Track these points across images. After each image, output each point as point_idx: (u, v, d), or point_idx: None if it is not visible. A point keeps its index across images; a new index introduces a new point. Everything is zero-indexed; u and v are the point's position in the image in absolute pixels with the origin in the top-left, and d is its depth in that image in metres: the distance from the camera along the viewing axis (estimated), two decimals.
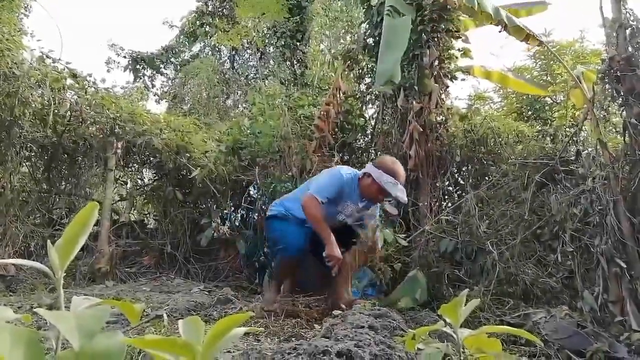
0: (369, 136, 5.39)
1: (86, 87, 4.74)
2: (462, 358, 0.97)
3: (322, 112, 4.83)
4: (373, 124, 5.39)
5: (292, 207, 3.29)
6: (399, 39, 4.25)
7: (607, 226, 3.01)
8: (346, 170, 3.35)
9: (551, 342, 2.55)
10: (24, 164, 4.85)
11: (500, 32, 3.70)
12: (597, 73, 3.39)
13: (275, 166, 4.54)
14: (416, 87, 4.60)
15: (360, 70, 5.63)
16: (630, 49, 3.21)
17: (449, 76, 4.87)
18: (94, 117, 4.62)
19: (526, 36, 3.72)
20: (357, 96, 5.53)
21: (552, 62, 5.96)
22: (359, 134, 5.30)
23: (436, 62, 4.77)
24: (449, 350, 1.01)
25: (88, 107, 4.60)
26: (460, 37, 4.93)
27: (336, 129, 5.02)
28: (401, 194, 3.15)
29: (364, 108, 5.57)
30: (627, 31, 3.26)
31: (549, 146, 4.51)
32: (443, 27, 4.63)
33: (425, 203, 4.43)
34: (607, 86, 3.31)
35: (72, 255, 0.84)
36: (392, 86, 4.49)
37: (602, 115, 3.38)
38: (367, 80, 5.70)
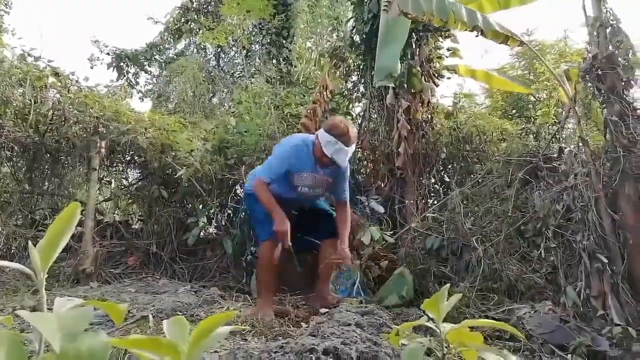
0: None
1: (69, 85, 4.67)
2: (444, 352, 0.98)
3: (308, 111, 4.83)
4: (360, 121, 5.41)
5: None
6: (397, 34, 4.25)
7: (588, 222, 3.07)
8: (298, 139, 3.13)
9: (535, 337, 2.59)
10: (5, 164, 4.76)
11: (476, 37, 3.70)
12: (579, 71, 3.45)
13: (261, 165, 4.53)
14: (406, 86, 4.63)
15: (347, 68, 5.64)
16: (610, 47, 3.27)
17: (437, 75, 4.92)
18: (77, 116, 4.55)
19: (505, 38, 3.73)
20: (344, 94, 5.54)
21: (535, 60, 6.04)
22: None
23: (425, 61, 4.81)
24: (432, 344, 1.02)
25: (71, 106, 4.53)
26: (450, 37, 4.98)
27: None
28: (338, 154, 2.89)
29: (350, 106, 5.59)
30: (608, 30, 3.32)
31: (532, 144, 4.59)
32: (433, 26, 4.67)
33: (412, 201, 4.47)
34: (588, 84, 3.37)
35: (55, 256, 0.83)
36: (392, 80, 4.47)
37: (583, 113, 3.43)
38: (354, 77, 5.72)
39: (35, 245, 0.82)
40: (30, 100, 4.26)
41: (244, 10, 6.35)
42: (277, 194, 3.08)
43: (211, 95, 10.71)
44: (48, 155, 4.85)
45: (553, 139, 4.20)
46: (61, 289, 3.71)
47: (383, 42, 4.31)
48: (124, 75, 11.85)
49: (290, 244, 2.96)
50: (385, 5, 4.25)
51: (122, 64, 11.82)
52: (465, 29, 3.73)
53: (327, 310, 2.99)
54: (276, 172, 3.02)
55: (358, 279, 3.82)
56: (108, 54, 11.73)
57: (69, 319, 0.68)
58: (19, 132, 4.51)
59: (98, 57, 11.67)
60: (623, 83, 3.18)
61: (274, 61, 9.54)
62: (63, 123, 4.54)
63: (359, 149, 5.20)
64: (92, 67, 11.63)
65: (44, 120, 4.55)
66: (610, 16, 3.34)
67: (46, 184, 4.98)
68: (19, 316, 0.71)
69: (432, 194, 4.96)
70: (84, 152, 4.59)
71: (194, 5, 11.53)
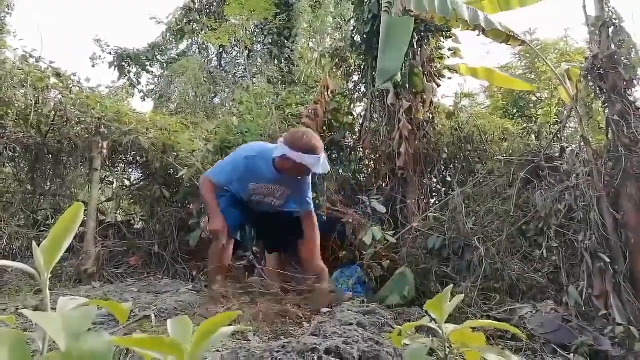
0: (357, 134, 5.40)
1: (70, 86, 4.67)
2: (447, 352, 0.98)
3: (310, 111, 4.83)
4: (361, 122, 5.40)
5: None
6: (401, 38, 4.24)
7: (590, 222, 3.07)
8: (253, 151, 3.11)
9: (537, 337, 2.59)
10: (8, 165, 4.77)
11: (478, 36, 3.71)
12: (581, 71, 3.44)
13: None
14: (407, 86, 4.63)
15: (349, 68, 5.64)
16: (612, 47, 3.27)
17: (438, 75, 4.92)
18: (78, 116, 4.56)
19: (506, 37, 3.73)
20: (345, 94, 5.55)
21: (536, 60, 6.03)
22: (347, 132, 5.31)
23: (427, 61, 4.81)
24: (435, 345, 1.02)
25: (72, 107, 4.54)
26: (451, 37, 4.98)
27: (324, 127, 5.02)
28: (324, 167, 2.94)
29: (352, 106, 5.59)
30: (610, 29, 3.32)
31: (533, 143, 4.59)
32: (435, 26, 4.67)
33: (413, 200, 4.47)
34: (590, 84, 3.36)
35: (58, 257, 0.83)
36: (394, 84, 4.48)
37: (585, 113, 3.43)
38: (355, 78, 5.72)
39: (38, 246, 0.83)
40: (32, 101, 4.27)
41: (248, 10, 6.36)
42: (235, 196, 3.19)
43: (213, 95, 10.72)
44: (50, 155, 4.85)
45: (555, 139, 4.19)
46: (63, 289, 3.72)
47: (385, 44, 4.31)
48: (126, 75, 11.85)
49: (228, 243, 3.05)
50: (386, 7, 4.26)
51: (123, 63, 11.81)
52: (467, 28, 3.74)
53: (329, 309, 2.99)
54: (225, 178, 3.10)
55: (360, 278, 3.82)
56: (110, 53, 11.74)
57: (72, 319, 0.68)
58: (21, 133, 4.51)
59: (100, 56, 11.67)
60: (625, 82, 3.18)
61: (276, 61, 9.55)
62: (65, 124, 4.55)
63: (361, 149, 5.20)
64: (93, 66, 11.62)
65: (46, 121, 4.56)
66: (612, 15, 3.34)
67: (48, 184, 4.99)
68: (22, 315, 0.71)
69: (433, 194, 4.96)
70: (85, 153, 4.60)
71: (197, 6, 11.54)
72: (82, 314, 0.71)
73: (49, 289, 0.84)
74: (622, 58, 3.21)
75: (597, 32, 3.34)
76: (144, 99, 11.93)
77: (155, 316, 2.65)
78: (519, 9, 4.65)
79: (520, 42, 3.77)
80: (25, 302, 2.96)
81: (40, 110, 4.35)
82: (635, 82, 3.20)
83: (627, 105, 3.12)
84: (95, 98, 4.66)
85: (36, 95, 4.29)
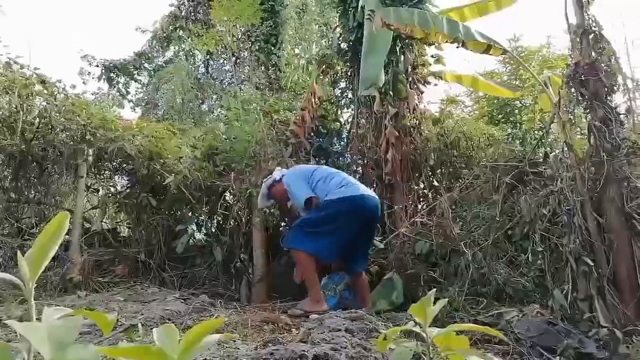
0: (345, 140, 5.43)
1: (55, 93, 4.63)
2: (432, 356, 0.99)
3: (297, 117, 4.85)
4: (348, 128, 5.43)
5: None
6: (381, 44, 4.29)
7: (574, 226, 3.11)
8: None
9: (524, 340, 2.61)
10: None
11: (457, 47, 3.76)
12: (563, 78, 3.50)
13: (251, 172, 4.53)
14: (391, 93, 4.67)
15: (335, 75, 5.67)
16: (593, 54, 3.33)
17: (423, 81, 4.97)
18: (63, 123, 4.51)
19: (487, 47, 3.78)
20: (332, 101, 5.57)
21: (520, 67, 6.13)
22: (335, 139, 5.33)
23: (410, 68, 4.86)
24: (420, 349, 1.03)
25: (58, 114, 4.49)
26: (434, 44, 5.04)
27: (312, 134, 5.04)
28: None
29: (339, 112, 5.62)
30: (591, 37, 3.38)
31: (518, 149, 4.65)
32: None
33: (401, 206, 4.49)
34: (572, 90, 3.42)
35: (43, 266, 0.83)
36: (376, 90, 4.54)
37: (568, 119, 3.48)
38: (342, 84, 5.75)
39: (23, 255, 0.82)
40: (17, 108, 4.22)
41: (234, 15, 6.36)
42: None
43: (200, 102, 10.69)
44: (34, 163, 4.79)
45: (539, 144, 4.26)
46: (49, 298, 3.66)
47: (367, 51, 4.35)
48: (114, 86, 11.79)
49: None
50: (368, 15, 4.31)
51: (111, 74, 11.75)
52: (446, 41, 3.79)
53: (317, 316, 2.99)
54: None
55: (348, 284, 3.82)
56: (97, 65, 11.69)
57: (58, 329, 0.68)
58: (5, 140, 4.45)
59: (89, 72, 11.63)
60: (606, 89, 3.24)
61: (263, 68, 9.55)
62: (50, 131, 4.50)
63: (348, 156, 5.22)
64: (84, 83, 11.58)
65: (31, 128, 4.50)
66: (593, 23, 3.40)
67: (32, 192, 4.92)
68: (6, 326, 0.71)
69: (421, 199, 4.99)
70: (71, 160, 4.55)
71: (183, 14, 11.52)
72: (67, 324, 0.71)
73: (34, 299, 0.83)
74: (603, 65, 3.27)
75: (578, 40, 3.40)
76: (134, 109, 11.88)
77: (142, 325, 2.62)
78: (498, 13, 4.75)
79: (502, 51, 3.82)
80: (10, 312, 2.91)
81: (24, 117, 4.30)
82: (615, 88, 3.27)
83: (608, 111, 3.18)
84: (81, 105, 4.62)
85: (20, 102, 4.24)
